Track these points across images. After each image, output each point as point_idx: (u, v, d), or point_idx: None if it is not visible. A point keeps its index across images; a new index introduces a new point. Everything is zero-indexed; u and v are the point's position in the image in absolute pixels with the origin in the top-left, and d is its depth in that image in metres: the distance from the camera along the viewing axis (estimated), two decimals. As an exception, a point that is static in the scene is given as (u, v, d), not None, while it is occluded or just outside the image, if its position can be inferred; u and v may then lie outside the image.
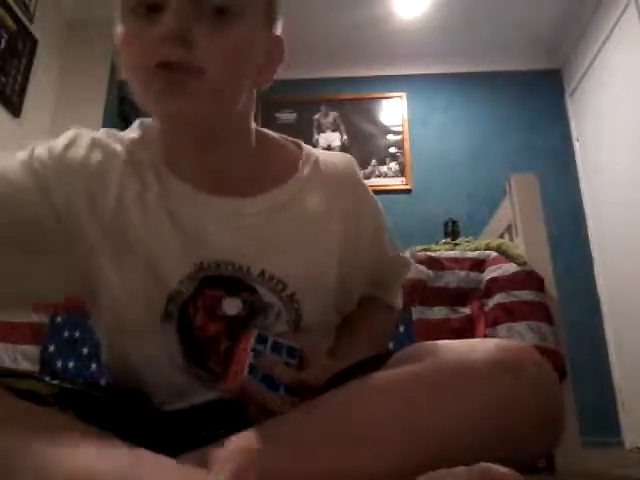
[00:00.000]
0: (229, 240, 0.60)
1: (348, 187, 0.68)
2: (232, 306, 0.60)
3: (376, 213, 0.73)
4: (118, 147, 0.63)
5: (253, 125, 0.65)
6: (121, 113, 3.18)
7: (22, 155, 0.59)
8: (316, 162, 0.67)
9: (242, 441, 0.46)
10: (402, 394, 0.48)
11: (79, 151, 0.62)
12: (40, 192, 0.56)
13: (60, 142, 0.62)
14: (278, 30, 0.62)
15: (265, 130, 0.68)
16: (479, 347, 0.50)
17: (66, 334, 1.41)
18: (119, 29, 0.55)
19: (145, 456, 0.44)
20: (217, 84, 0.53)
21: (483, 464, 0.41)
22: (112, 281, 0.59)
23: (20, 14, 2.57)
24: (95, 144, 0.63)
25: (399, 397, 0.48)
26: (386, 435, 0.46)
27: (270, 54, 0.60)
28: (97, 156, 0.62)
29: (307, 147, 0.70)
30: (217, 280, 0.59)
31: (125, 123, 3.21)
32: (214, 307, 0.60)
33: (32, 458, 0.41)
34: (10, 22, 2.49)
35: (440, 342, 0.54)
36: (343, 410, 0.49)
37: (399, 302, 0.84)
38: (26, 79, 2.63)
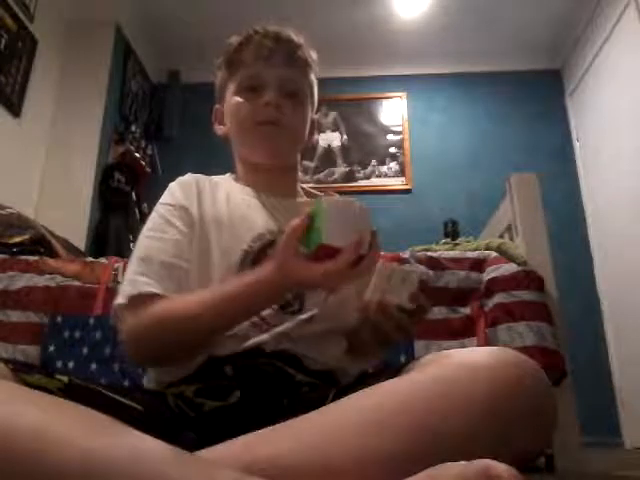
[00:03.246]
0: (281, 219, 0.84)
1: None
2: None
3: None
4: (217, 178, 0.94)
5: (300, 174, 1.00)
6: (121, 113, 3.19)
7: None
8: (330, 195, 0.94)
9: (265, 436, 0.52)
10: (414, 392, 0.52)
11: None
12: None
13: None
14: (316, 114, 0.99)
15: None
16: (480, 353, 0.56)
17: (66, 334, 1.41)
18: (233, 99, 0.89)
19: (160, 444, 0.46)
20: (291, 136, 0.89)
21: (483, 460, 0.41)
22: (209, 247, 0.81)
23: (20, 14, 2.57)
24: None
25: (412, 396, 0.52)
26: (400, 426, 0.50)
27: (313, 127, 0.98)
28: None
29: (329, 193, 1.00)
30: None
31: (126, 123, 3.21)
32: None
33: (51, 438, 0.43)
34: (10, 22, 2.49)
35: (448, 350, 0.61)
36: (362, 405, 0.53)
37: None
38: (26, 79, 2.62)
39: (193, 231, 0.80)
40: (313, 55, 0.95)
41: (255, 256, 0.78)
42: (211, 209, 0.84)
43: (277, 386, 0.64)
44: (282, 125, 0.86)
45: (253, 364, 0.68)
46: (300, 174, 1.02)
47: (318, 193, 0.98)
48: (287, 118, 0.86)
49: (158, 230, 0.80)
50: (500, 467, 0.40)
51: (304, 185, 1.01)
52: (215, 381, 0.66)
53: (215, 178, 0.93)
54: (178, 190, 0.85)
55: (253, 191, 0.89)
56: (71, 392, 0.54)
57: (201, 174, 0.93)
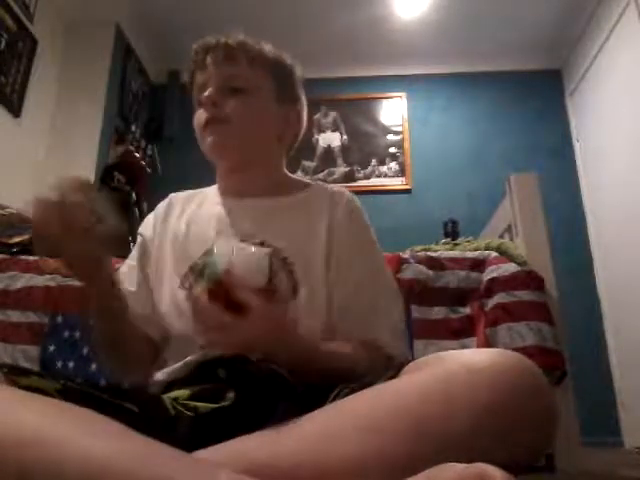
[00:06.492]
0: (241, 224, 0.85)
1: (335, 197, 0.91)
2: None
3: (361, 224, 0.91)
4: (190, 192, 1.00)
5: (284, 170, 0.97)
6: (121, 113, 3.19)
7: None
8: (319, 187, 0.95)
9: (264, 438, 0.52)
10: (414, 394, 0.52)
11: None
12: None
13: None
14: (298, 106, 0.96)
15: (291, 174, 0.99)
16: (481, 355, 0.56)
17: (66, 334, 1.41)
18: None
19: (159, 446, 0.46)
20: (237, 129, 0.86)
21: (479, 464, 0.42)
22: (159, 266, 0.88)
23: (20, 14, 2.57)
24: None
25: (412, 396, 0.52)
26: (400, 427, 0.50)
27: (292, 118, 0.94)
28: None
29: (318, 182, 0.99)
30: None
31: (126, 123, 3.21)
32: None
33: (50, 441, 0.43)
34: (10, 22, 2.49)
35: (449, 352, 0.61)
36: (362, 406, 0.53)
37: (394, 348, 0.81)
38: (26, 79, 2.63)
39: (145, 257, 0.91)
40: (265, 47, 0.93)
41: (198, 272, 0.79)
42: (173, 226, 0.91)
43: (273, 388, 0.64)
44: (226, 121, 0.86)
45: (247, 366, 0.68)
46: (300, 173, 1.01)
47: (310, 182, 0.97)
48: (231, 112, 0.86)
49: (131, 257, 0.93)
50: (497, 472, 0.41)
51: (300, 177, 1.00)
52: (209, 384, 0.66)
53: (199, 190, 0.99)
54: (150, 217, 0.96)
55: (223, 198, 0.92)
56: (68, 394, 0.54)
57: (198, 179, 1.00)
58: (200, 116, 0.88)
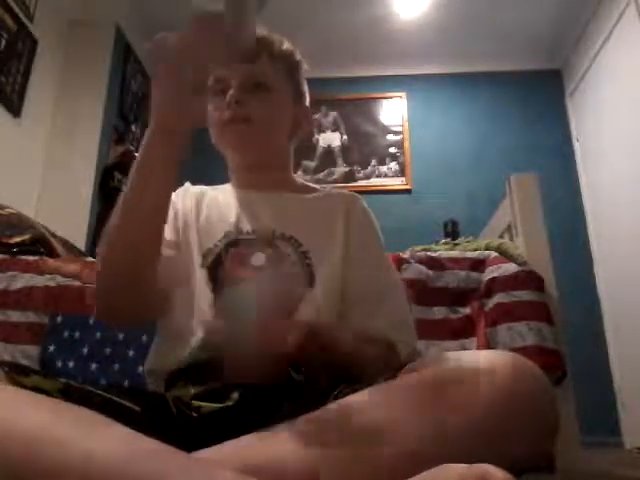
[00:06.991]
0: (261, 215, 0.87)
1: (349, 199, 0.95)
2: (258, 259, 0.81)
3: (373, 225, 0.93)
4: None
5: (291, 171, 0.99)
6: (121, 113, 3.19)
7: None
8: (329, 190, 0.98)
9: (265, 438, 0.52)
10: (413, 394, 0.53)
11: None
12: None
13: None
14: (307, 104, 0.97)
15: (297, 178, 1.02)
16: (480, 357, 0.56)
17: (66, 334, 1.41)
18: (208, 107, 0.86)
19: (160, 446, 0.46)
20: (261, 129, 0.88)
21: (481, 465, 0.42)
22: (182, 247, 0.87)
23: (20, 14, 2.57)
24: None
25: (411, 397, 0.52)
26: (400, 428, 0.50)
27: (302, 117, 0.96)
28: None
29: (324, 187, 1.02)
30: (248, 242, 0.84)
31: (126, 123, 3.21)
32: (244, 258, 0.81)
33: (50, 440, 0.43)
34: (10, 22, 2.49)
35: (447, 353, 0.61)
36: (361, 406, 0.53)
37: (405, 343, 0.81)
38: (26, 79, 2.63)
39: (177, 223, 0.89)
40: (283, 44, 0.93)
41: (217, 254, 0.82)
42: (193, 211, 0.90)
43: (278, 387, 0.64)
44: (249, 120, 0.86)
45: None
46: (300, 173, 1.02)
47: (317, 187, 0.98)
48: (253, 112, 0.86)
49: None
50: (498, 473, 0.41)
51: (305, 181, 1.01)
52: (213, 383, 0.66)
53: (211, 187, 0.97)
54: (180, 192, 0.93)
55: (238, 191, 0.93)
56: (69, 394, 0.54)
57: (199, 180, 0.96)
58: (222, 113, 0.87)
